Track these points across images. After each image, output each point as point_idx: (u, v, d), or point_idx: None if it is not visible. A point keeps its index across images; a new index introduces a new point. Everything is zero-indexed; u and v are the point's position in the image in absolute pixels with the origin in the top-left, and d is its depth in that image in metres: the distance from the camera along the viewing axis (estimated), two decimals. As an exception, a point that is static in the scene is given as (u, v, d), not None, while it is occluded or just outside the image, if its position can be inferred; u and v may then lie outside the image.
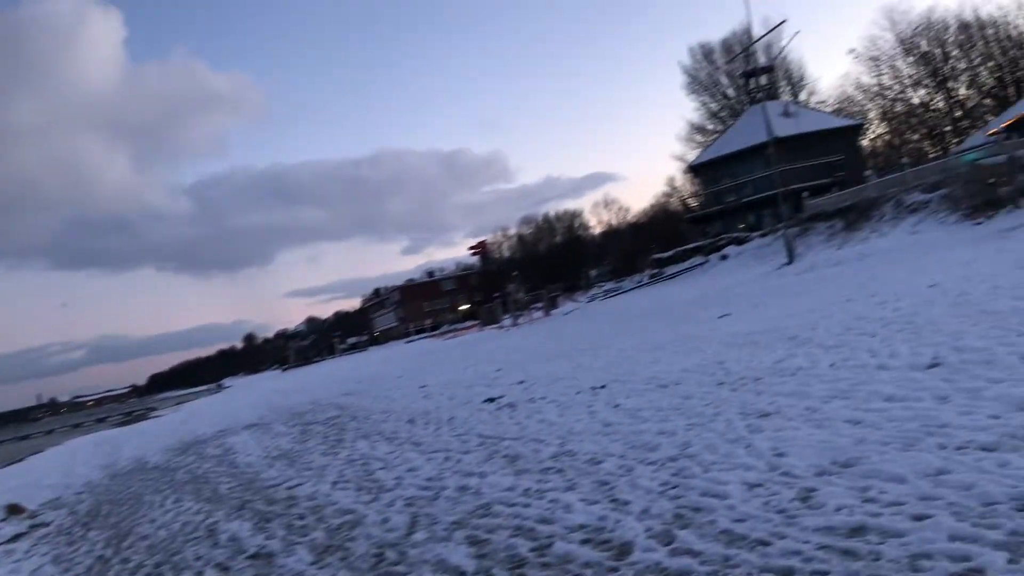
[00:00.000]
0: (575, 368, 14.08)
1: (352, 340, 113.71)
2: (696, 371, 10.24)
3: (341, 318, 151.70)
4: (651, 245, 59.69)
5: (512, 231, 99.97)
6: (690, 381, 9.61)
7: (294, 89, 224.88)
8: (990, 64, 60.42)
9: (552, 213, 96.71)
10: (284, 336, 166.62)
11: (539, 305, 51.20)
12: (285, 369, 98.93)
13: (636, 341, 16.61)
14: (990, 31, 59.97)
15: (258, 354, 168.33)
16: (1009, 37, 59.78)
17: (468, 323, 73.59)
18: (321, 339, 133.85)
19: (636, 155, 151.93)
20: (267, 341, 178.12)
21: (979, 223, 23.80)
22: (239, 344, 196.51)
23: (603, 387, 10.78)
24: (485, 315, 58.35)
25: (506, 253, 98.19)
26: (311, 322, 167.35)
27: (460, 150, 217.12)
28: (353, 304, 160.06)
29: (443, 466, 8.24)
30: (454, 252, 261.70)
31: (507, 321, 49.51)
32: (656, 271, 48.59)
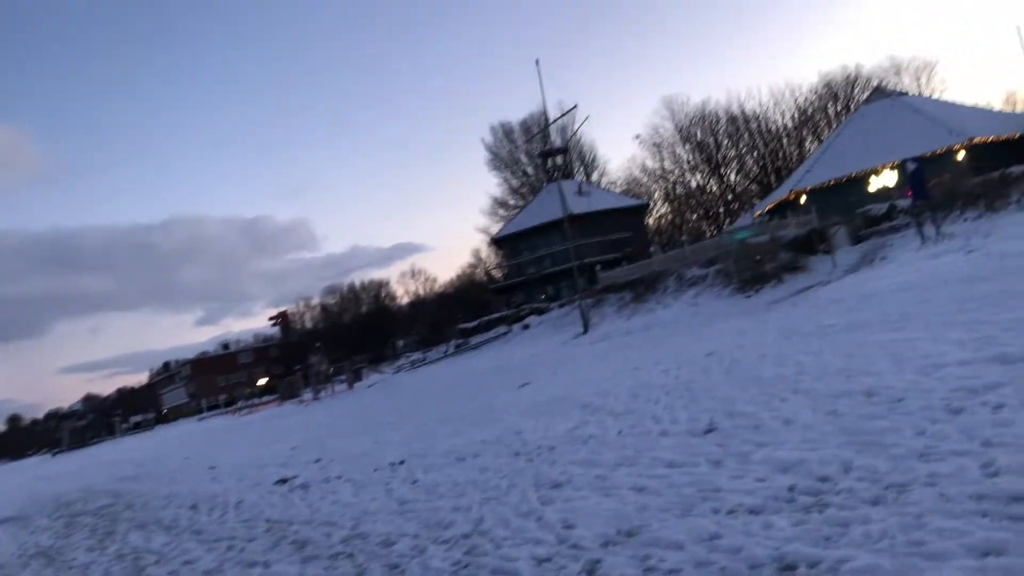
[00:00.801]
0: (375, 443, 13.68)
1: (136, 419, 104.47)
2: (494, 442, 10.26)
3: (125, 395, 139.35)
4: (457, 315, 60.32)
5: (316, 301, 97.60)
6: (488, 453, 9.59)
7: (77, 148, 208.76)
8: (755, 153, 67.84)
9: (358, 283, 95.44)
10: (57, 416, 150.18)
11: (342, 378, 49.85)
12: (56, 453, 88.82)
13: (438, 413, 16.49)
14: (754, 124, 67.55)
15: (24, 437, 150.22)
16: (769, 131, 67.62)
17: (266, 398, 70.09)
18: (100, 418, 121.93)
19: (443, 226, 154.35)
20: (36, 423, 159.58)
21: (749, 296, 26.19)
22: (1, 427, 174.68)
23: (402, 462, 10.51)
24: (284, 389, 55.92)
25: (309, 324, 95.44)
26: (89, 400, 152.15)
27: (262, 217, 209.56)
28: (140, 379, 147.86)
29: (225, 556, 7.59)
30: (253, 323, 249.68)
31: (308, 395, 47.73)
32: (462, 341, 49.03)
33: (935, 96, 56.96)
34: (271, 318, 78.21)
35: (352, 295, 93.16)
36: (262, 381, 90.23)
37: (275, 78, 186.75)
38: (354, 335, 76.67)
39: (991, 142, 36.91)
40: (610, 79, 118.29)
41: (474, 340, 47.21)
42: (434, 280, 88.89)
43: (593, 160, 74.14)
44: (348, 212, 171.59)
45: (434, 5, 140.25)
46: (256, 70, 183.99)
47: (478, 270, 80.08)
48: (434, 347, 55.10)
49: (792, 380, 9.04)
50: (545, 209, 52.63)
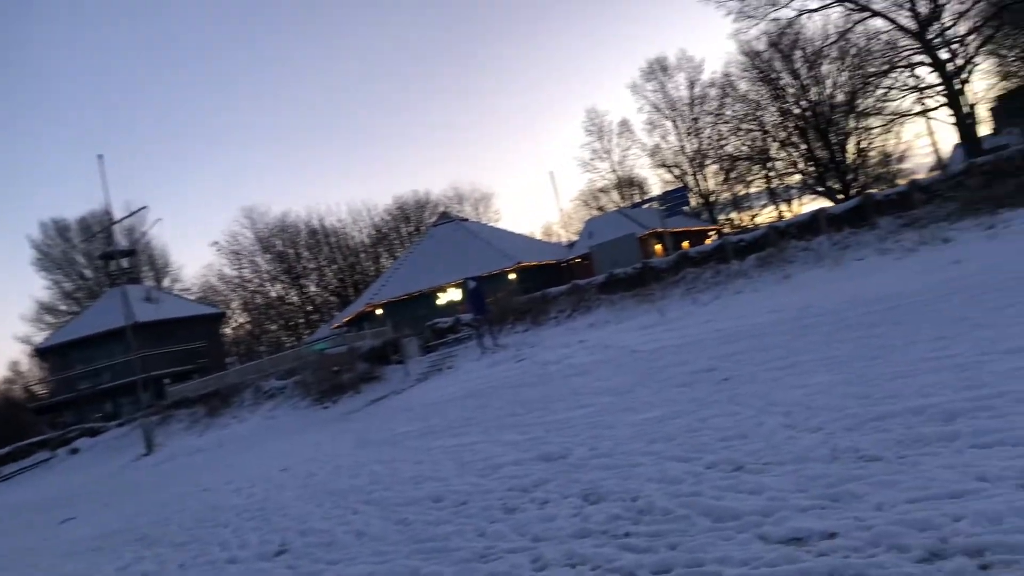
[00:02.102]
0: None
1: None
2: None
3: None
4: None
5: None
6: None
7: None
8: (334, 267, 69.77)
9: None
10: None
11: None
12: None
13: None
14: (333, 239, 69.74)
15: None
16: (348, 246, 70.34)
17: None
18: None
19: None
20: None
21: (326, 407, 26.20)
22: None
23: None
24: None
25: None
26: None
27: None
28: None
29: None
30: None
31: None
32: (-14, 472, 40.78)
33: (491, 223, 64.89)
34: None
35: None
36: None
37: None
38: None
39: (535, 266, 42.96)
40: (186, 183, 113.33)
41: (5, 470, 39.64)
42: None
43: (165, 265, 69.58)
44: None
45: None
46: None
47: (15, 386, 68.52)
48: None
49: (366, 490, 9.05)
50: (106, 316, 47.46)
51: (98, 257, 61.23)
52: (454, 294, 40.58)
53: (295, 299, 70.09)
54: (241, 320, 70.35)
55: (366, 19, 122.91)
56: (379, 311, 41.27)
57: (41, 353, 54.67)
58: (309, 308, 69.46)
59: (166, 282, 67.48)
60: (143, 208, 42.65)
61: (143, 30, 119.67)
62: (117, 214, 46.53)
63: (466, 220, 55.68)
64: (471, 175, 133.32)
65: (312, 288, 70.41)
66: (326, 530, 7.50)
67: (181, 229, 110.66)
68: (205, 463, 20.78)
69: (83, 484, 25.62)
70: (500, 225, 65.31)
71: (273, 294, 69.25)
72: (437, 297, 41.29)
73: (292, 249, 68.90)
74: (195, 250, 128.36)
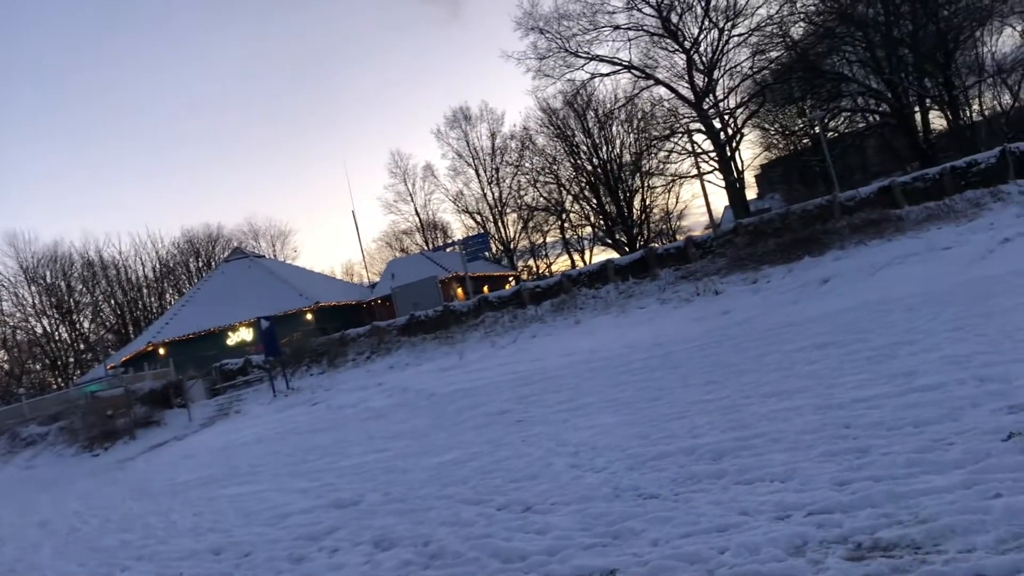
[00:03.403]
0: None
1: None
2: None
3: None
4: None
5: None
6: None
7: None
8: (112, 301, 64.33)
9: None
10: None
11: None
12: None
13: None
14: (112, 272, 64.40)
15: None
16: (129, 280, 65.22)
17: None
18: None
19: None
20: None
21: (97, 455, 23.85)
22: None
23: None
24: None
25: None
26: None
27: None
28: None
29: None
30: None
31: None
32: None
33: (289, 261, 62.83)
34: None
35: None
36: None
37: None
38: None
39: (335, 306, 42.01)
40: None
41: None
42: None
43: (-99, 296, 60.73)
44: None
45: None
46: None
47: None
48: None
49: (138, 545, 8.31)
50: None
51: None
52: (246, 334, 38.69)
53: (65, 336, 63.67)
54: (-2, 359, 62.74)
55: (165, 41, 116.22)
56: (162, 350, 38.43)
57: None
58: (81, 346, 63.32)
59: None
60: None
61: None
62: None
63: (261, 256, 53.62)
64: (268, 210, 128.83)
65: (86, 324, 64.36)
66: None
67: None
68: (-59, 523, 18.12)
69: None
70: (299, 263, 63.50)
71: (39, 330, 62.48)
72: (227, 336, 39.15)
73: (64, 281, 62.76)
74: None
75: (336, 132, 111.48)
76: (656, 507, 5.12)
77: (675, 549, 4.24)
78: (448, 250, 49.04)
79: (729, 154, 36.77)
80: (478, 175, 58.99)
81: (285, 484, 9.91)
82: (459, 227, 62.37)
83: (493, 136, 58.39)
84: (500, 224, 58.59)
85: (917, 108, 32.96)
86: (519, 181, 56.40)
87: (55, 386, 56.56)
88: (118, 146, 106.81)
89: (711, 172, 37.64)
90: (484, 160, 58.80)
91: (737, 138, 37.35)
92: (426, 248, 58.52)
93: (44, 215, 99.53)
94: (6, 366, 62.80)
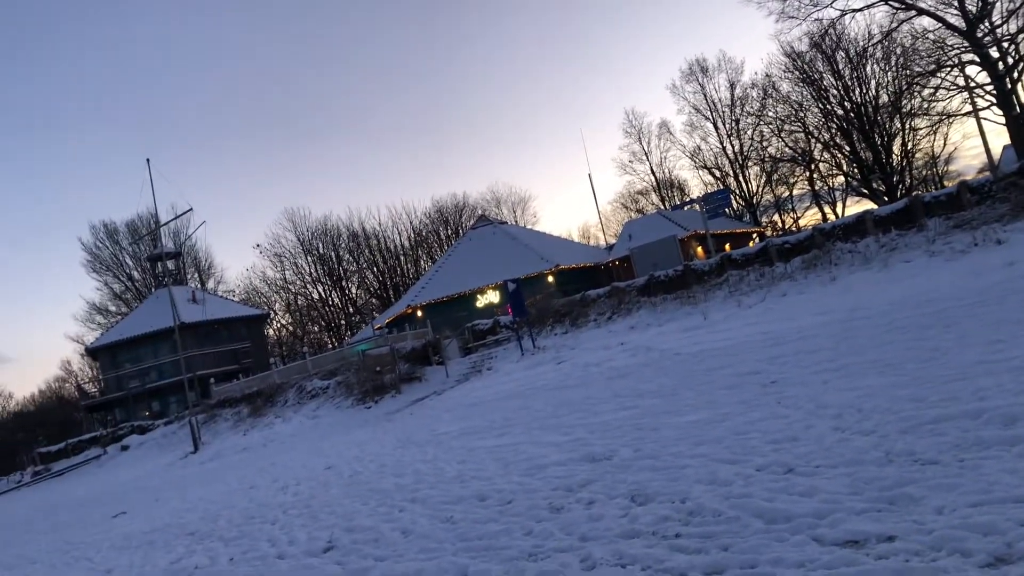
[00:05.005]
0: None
1: None
2: (75, 588, 8.69)
3: None
4: (39, 437, 51.72)
5: None
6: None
7: None
8: (375, 269, 70.39)
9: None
10: None
11: None
12: None
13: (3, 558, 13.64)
14: (374, 242, 70.37)
15: None
16: (388, 248, 70.91)
17: None
18: None
19: (25, 334, 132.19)
20: None
21: (369, 407, 26.42)
22: None
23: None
24: None
25: None
26: None
27: None
28: None
29: None
30: None
31: None
32: (42, 468, 41.93)
33: (529, 226, 64.89)
34: None
35: None
36: None
37: None
38: None
39: (573, 268, 42.86)
40: (231, 186, 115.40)
41: (58, 466, 40.71)
42: (9, 396, 75.85)
43: (209, 267, 70.82)
44: None
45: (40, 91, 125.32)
46: None
47: (68, 384, 70.32)
48: (4, 477, 46.28)
49: (410, 489, 9.10)
50: (153, 317, 48.53)
51: (146, 259, 62.65)
52: (493, 296, 40.69)
53: (337, 301, 70.85)
54: (284, 321, 71.35)
55: (405, 21, 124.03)
56: (419, 313, 41.54)
57: (92, 352, 56.02)
58: (351, 310, 70.15)
59: (210, 284, 68.74)
60: (188, 211, 43.48)
61: (185, 29, 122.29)
62: (163, 217, 47.53)
63: (504, 223, 55.80)
64: (509, 178, 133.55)
65: (353, 290, 71.14)
66: (372, 527, 7.57)
67: (225, 231, 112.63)
68: (250, 461, 21.10)
69: (133, 479, 26.21)
70: (538, 228, 65.43)
71: (315, 296, 70.09)
72: (476, 299, 41.43)
73: (333, 251, 69.69)
74: (239, 252, 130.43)
75: (573, 95, 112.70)
76: (937, 473, 4.72)
77: (963, 519, 3.89)
78: (687, 208, 47.92)
79: (1009, 86, 32.25)
80: (716, 128, 56.91)
81: (538, 437, 10.35)
82: (697, 184, 60.74)
83: (732, 86, 55.95)
84: (741, 179, 56.24)
85: None
86: (761, 132, 53.62)
87: (331, 345, 63.20)
88: (374, 126, 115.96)
89: (987, 108, 33.30)
90: (723, 112, 56.58)
91: (1019, 67, 32.61)
92: (663, 207, 57.65)
93: (315, 193, 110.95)
94: (291, 328, 71.26)
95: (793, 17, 35.96)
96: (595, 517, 5.83)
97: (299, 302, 70.05)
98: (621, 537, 5.17)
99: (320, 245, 69.43)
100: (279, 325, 71.06)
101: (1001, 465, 4.57)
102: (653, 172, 62.61)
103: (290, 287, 69.93)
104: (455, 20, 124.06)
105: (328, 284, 69.96)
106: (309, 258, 69.27)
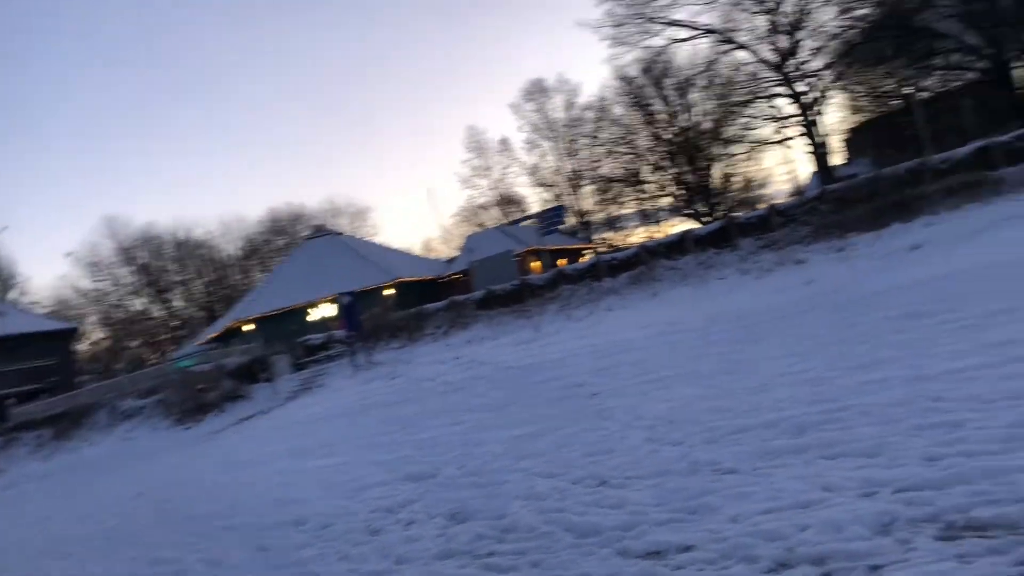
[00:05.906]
0: None
1: None
2: None
3: None
4: None
5: None
6: None
7: None
8: (202, 280, 66.85)
9: None
10: None
11: None
12: None
13: None
14: (202, 251, 66.86)
15: None
16: (217, 259, 67.60)
17: None
18: None
19: None
20: None
21: (189, 427, 24.91)
22: None
23: None
24: None
25: None
26: None
27: None
28: None
29: None
30: None
31: None
32: None
33: (368, 238, 63.94)
34: None
35: None
36: None
37: None
38: None
39: (413, 282, 42.60)
40: (39, 190, 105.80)
41: None
42: None
43: (11, 277, 64.55)
44: None
45: None
46: None
47: None
48: None
49: (226, 515, 8.62)
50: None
51: (-66, 267, 56.27)
52: (328, 310, 39.62)
53: (159, 314, 66.62)
54: (99, 336, 66.18)
55: (244, 24, 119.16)
56: (248, 327, 39.76)
57: None
58: (174, 323, 66.16)
59: (13, 295, 62.63)
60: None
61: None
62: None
63: (341, 234, 54.64)
64: (348, 188, 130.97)
65: (178, 302, 67.16)
66: (177, 559, 7.09)
67: (32, 238, 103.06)
68: (51, 489, 19.30)
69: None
70: (377, 240, 64.52)
71: (135, 308, 65.56)
72: (309, 313, 40.18)
73: (157, 261, 65.55)
74: (48, 261, 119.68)
75: (413, 109, 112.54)
76: (735, 482, 4.98)
77: (754, 526, 4.10)
78: (524, 224, 48.94)
79: (814, 118, 35.40)
80: (554, 147, 58.61)
81: (364, 457, 10.11)
82: (535, 200, 62.25)
83: (569, 108, 57.84)
84: (576, 196, 58.18)
85: (1018, 64, 31.00)
86: (595, 152, 55.76)
87: (152, 362, 59.27)
88: (204, 131, 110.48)
89: (794, 138, 36.37)
90: (559, 132, 58.34)
91: (822, 101, 35.91)
92: (503, 222, 58.62)
93: (138, 200, 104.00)
94: (107, 342, 66.19)
95: (625, 43, 37.76)
96: (413, 538, 5.72)
97: (116, 315, 65.27)
98: (436, 558, 5.09)
99: (142, 254, 65.14)
100: (93, 340, 65.87)
101: (790, 472, 4.87)
102: (494, 187, 63.59)
103: (106, 299, 65.06)
104: (295, 26, 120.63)
105: (150, 296, 65.69)
106: (129, 268, 64.80)
